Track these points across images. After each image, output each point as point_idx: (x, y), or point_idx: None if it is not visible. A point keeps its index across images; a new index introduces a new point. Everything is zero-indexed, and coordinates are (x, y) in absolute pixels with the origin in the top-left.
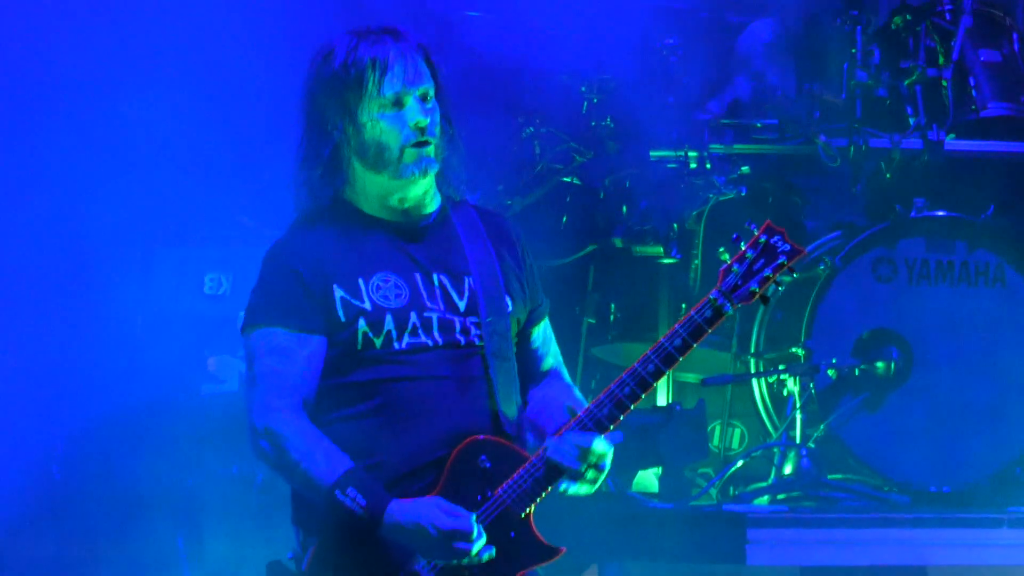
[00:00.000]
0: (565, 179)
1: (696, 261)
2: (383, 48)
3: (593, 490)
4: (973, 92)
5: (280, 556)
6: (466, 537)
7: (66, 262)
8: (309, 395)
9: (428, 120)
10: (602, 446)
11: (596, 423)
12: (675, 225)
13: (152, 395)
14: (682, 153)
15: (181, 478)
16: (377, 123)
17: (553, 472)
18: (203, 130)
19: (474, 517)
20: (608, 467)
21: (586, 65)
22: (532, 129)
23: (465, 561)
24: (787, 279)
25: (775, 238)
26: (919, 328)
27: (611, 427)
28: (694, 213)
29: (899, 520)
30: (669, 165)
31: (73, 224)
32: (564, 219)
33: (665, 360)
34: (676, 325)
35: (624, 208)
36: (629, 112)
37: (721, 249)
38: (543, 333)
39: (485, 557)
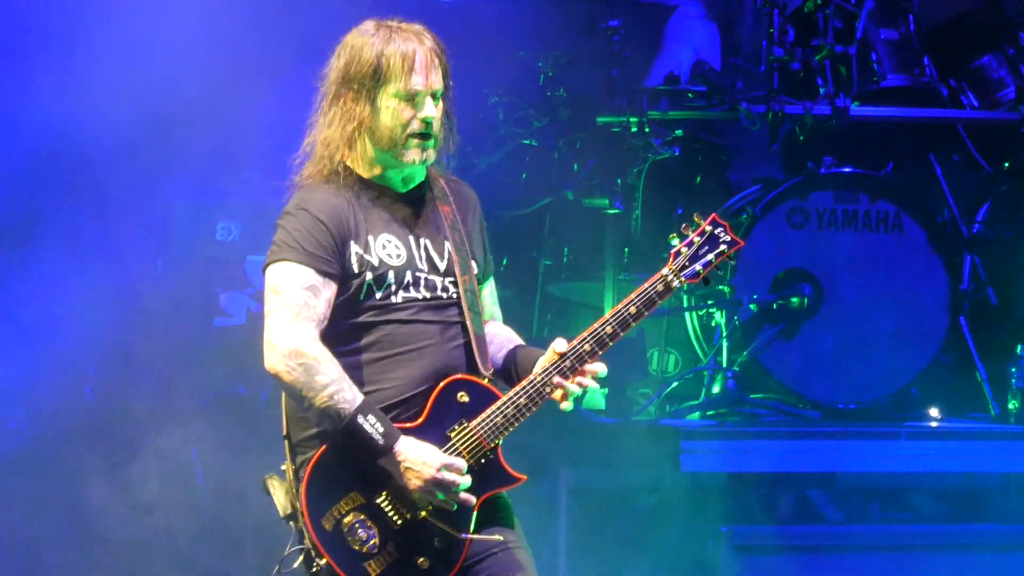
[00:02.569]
0: (524, 141)
1: (636, 212)
2: (412, 48)
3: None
4: (875, 65)
5: (276, 468)
6: (459, 471)
7: (99, 214)
8: (324, 331)
9: (432, 116)
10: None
11: (559, 372)
12: (619, 180)
13: (171, 327)
14: (624, 119)
15: (196, 397)
16: (391, 110)
17: (540, 396)
18: (216, 98)
19: (465, 464)
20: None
21: (542, 44)
22: (496, 98)
23: (446, 503)
24: (731, 263)
25: (719, 229)
26: (828, 268)
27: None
28: (635, 170)
29: (812, 433)
30: (613, 129)
31: (106, 183)
32: (524, 175)
33: (620, 324)
34: (632, 295)
35: (575, 166)
36: (579, 84)
37: (672, 235)
38: (489, 287)
39: (461, 499)
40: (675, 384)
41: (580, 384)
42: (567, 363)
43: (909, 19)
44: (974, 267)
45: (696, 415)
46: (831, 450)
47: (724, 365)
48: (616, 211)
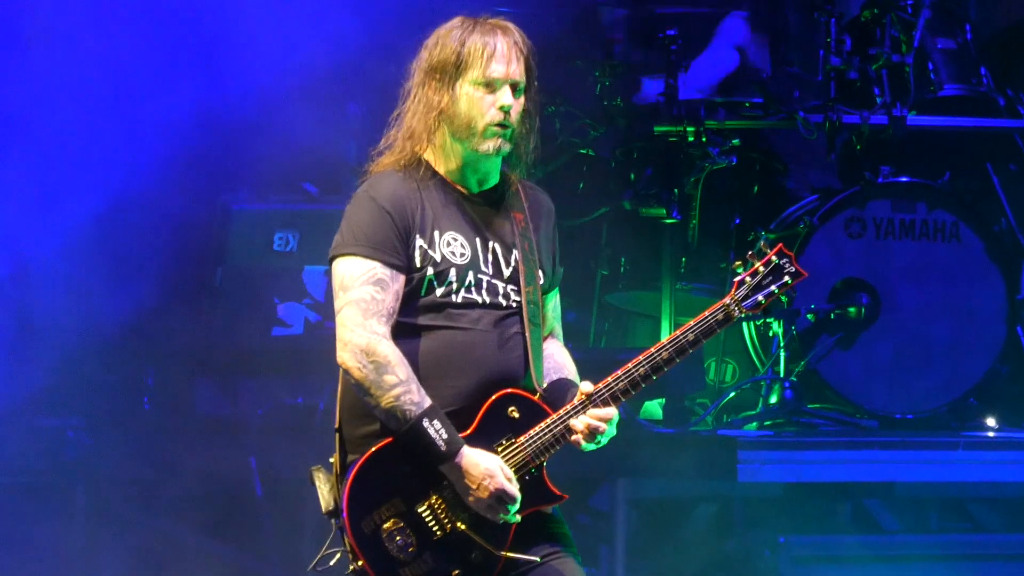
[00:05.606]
0: (581, 151)
1: (694, 221)
2: (494, 38)
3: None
4: (931, 75)
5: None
6: (512, 500)
7: (161, 225)
8: (394, 326)
9: (509, 105)
10: (615, 418)
11: (612, 396)
12: (676, 190)
13: (229, 336)
14: (682, 128)
15: (254, 407)
16: (470, 98)
17: (568, 434)
18: (273, 109)
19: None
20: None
21: (599, 53)
22: (553, 108)
23: (502, 517)
24: (793, 294)
25: (784, 260)
26: (885, 278)
27: (623, 400)
28: (692, 179)
29: (869, 443)
30: (671, 138)
31: (169, 195)
32: (581, 185)
33: (678, 351)
34: (691, 322)
35: (632, 175)
36: (635, 93)
37: (737, 263)
38: (554, 300)
39: (514, 520)
40: (732, 394)
41: (595, 430)
42: (619, 385)
43: (966, 28)
44: None
45: (753, 425)
46: (889, 460)
47: (781, 375)
48: (673, 220)
